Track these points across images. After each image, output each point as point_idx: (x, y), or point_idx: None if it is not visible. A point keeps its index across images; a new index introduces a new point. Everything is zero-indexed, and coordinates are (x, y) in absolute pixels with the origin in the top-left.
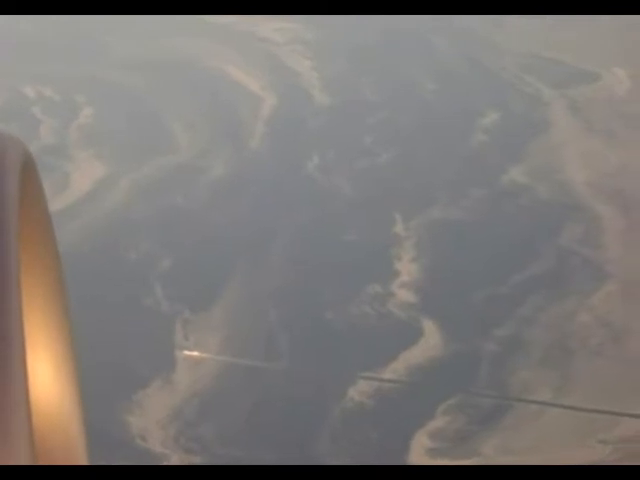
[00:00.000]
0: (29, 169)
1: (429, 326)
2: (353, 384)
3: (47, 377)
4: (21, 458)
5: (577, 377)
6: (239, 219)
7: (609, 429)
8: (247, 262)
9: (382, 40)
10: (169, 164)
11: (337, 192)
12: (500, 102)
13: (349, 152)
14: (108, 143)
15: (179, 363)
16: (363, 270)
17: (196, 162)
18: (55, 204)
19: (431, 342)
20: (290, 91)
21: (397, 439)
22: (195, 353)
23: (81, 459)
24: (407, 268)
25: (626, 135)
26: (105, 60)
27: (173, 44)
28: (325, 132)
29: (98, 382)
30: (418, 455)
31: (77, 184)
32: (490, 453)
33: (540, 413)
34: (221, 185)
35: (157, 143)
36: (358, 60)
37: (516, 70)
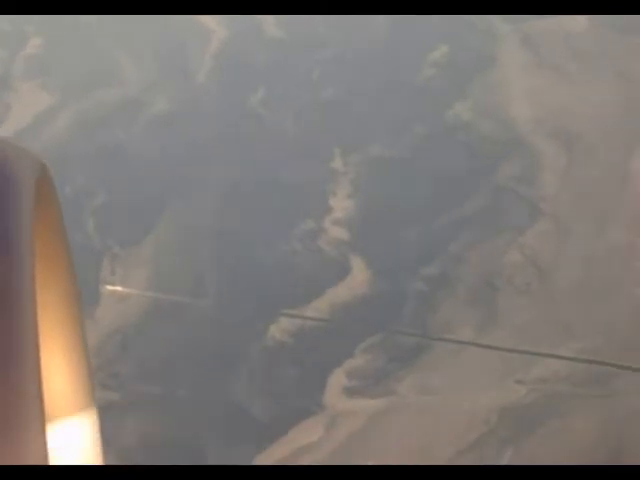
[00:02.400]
0: (45, 184)
1: (357, 264)
2: (275, 322)
3: (62, 389)
4: (36, 459)
5: (501, 316)
6: (177, 155)
7: (527, 369)
8: (181, 198)
9: None
10: (113, 98)
11: (278, 127)
12: (452, 35)
13: (295, 87)
14: (54, 75)
15: (103, 298)
16: (297, 206)
17: (140, 96)
18: None
19: (358, 280)
20: (242, 25)
21: (315, 378)
22: (119, 288)
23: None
24: (341, 204)
25: (577, 73)
26: None
27: None
28: (273, 66)
29: None
30: (334, 394)
31: (18, 116)
32: (405, 392)
33: (459, 352)
34: (163, 120)
35: (103, 76)
36: None
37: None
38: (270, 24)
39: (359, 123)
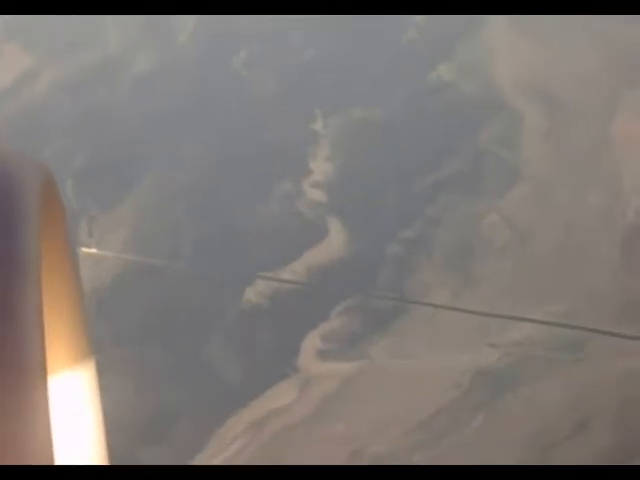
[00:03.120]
0: (49, 189)
1: (335, 226)
2: (251, 284)
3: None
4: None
5: (477, 280)
6: (157, 116)
7: (501, 333)
8: (160, 160)
9: None
10: (95, 58)
11: (260, 88)
12: None
13: (277, 48)
14: (35, 36)
15: (79, 261)
16: (276, 168)
17: (122, 56)
18: None
19: (335, 243)
20: None
21: (289, 341)
22: (95, 250)
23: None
24: (321, 167)
25: (560, 35)
26: None
27: None
28: (256, 28)
29: None
30: (307, 357)
31: None
32: (379, 356)
33: (435, 316)
34: (144, 82)
35: (86, 37)
36: None
37: None
38: None
39: (341, 85)
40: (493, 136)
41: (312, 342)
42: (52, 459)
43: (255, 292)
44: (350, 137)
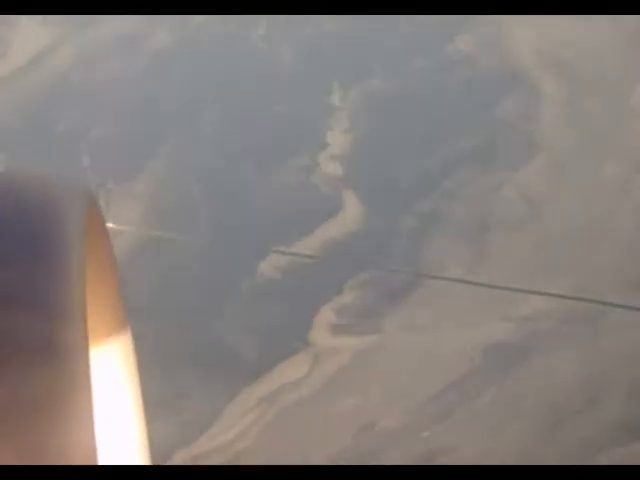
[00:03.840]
0: (94, 217)
1: (351, 200)
2: (265, 258)
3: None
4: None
5: (491, 254)
6: (175, 90)
7: (515, 307)
8: (176, 134)
9: None
10: (114, 32)
11: (277, 61)
12: None
13: (295, 21)
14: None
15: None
16: (293, 141)
17: (141, 31)
18: None
19: (350, 216)
20: None
21: (302, 315)
22: (110, 225)
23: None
24: (338, 140)
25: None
26: None
27: None
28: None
29: None
30: (320, 331)
31: (17, 51)
32: (392, 330)
33: (448, 290)
34: (162, 55)
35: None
36: None
37: None
38: None
39: (359, 57)
40: (511, 108)
41: (325, 316)
42: (96, 459)
43: (269, 266)
44: (367, 110)
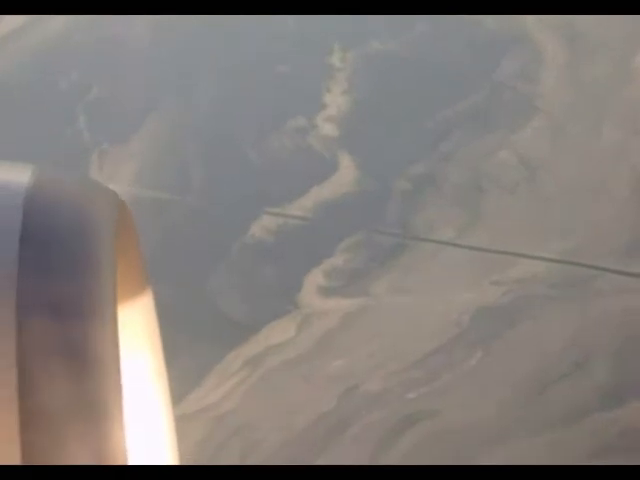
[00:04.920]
0: (123, 222)
1: (346, 161)
2: (257, 219)
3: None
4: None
5: (485, 217)
6: (173, 49)
7: (505, 270)
8: (175, 93)
9: None
10: None
11: (277, 21)
12: None
13: None
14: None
15: None
16: (290, 102)
17: None
18: None
19: (344, 178)
20: None
21: (292, 277)
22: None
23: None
24: (336, 101)
25: None
26: None
27: None
28: None
29: None
30: (309, 293)
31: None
32: (381, 293)
33: (439, 253)
34: (162, 17)
35: None
36: None
37: None
38: None
39: (359, 19)
40: (511, 70)
41: (315, 278)
42: (126, 459)
43: (260, 227)
44: (367, 71)
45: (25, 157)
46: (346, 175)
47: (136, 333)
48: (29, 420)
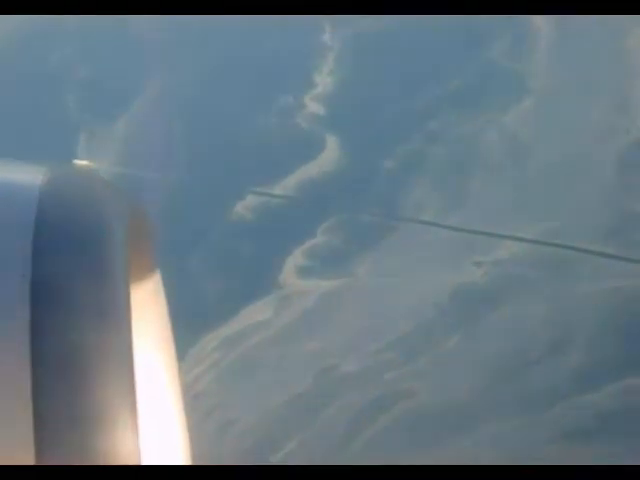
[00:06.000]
0: (138, 222)
1: (332, 141)
2: (242, 198)
3: None
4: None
5: (469, 197)
6: (160, 27)
7: (487, 251)
8: (160, 71)
9: None
10: None
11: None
12: None
13: None
14: None
15: None
16: (279, 80)
17: None
18: None
19: (330, 158)
20: None
21: (273, 257)
22: (85, 162)
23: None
24: (325, 80)
25: None
26: None
27: None
28: None
29: None
30: (290, 273)
31: None
32: (362, 273)
33: (423, 234)
34: None
35: None
36: None
37: None
38: None
39: None
40: (503, 49)
41: (296, 258)
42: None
43: (245, 206)
44: (357, 50)
45: (10, 135)
46: (332, 155)
47: (148, 330)
48: (43, 423)
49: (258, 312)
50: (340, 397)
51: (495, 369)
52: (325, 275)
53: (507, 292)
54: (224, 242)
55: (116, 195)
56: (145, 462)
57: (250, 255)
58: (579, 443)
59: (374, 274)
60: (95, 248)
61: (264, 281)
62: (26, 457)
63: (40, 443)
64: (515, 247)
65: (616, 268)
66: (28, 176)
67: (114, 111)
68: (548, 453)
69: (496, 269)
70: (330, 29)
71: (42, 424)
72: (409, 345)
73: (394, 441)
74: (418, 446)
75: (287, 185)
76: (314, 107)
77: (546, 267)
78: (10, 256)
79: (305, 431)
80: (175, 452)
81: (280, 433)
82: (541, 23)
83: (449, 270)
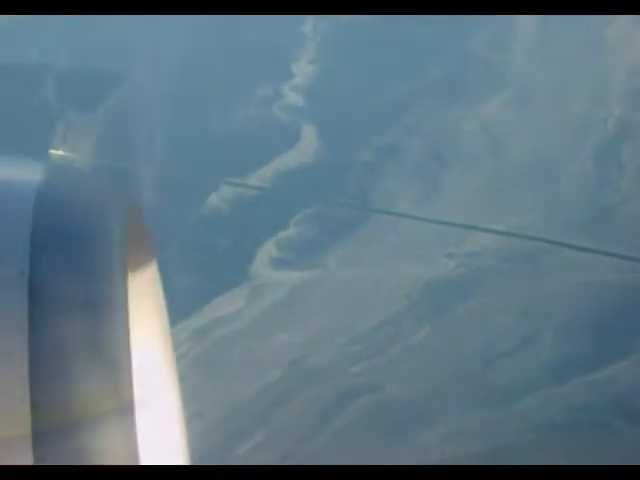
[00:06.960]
0: (135, 220)
1: (309, 132)
2: (216, 190)
3: None
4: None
5: (444, 190)
6: (140, 20)
7: (460, 244)
8: (139, 64)
9: None
10: None
11: None
12: None
13: None
14: None
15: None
16: (258, 70)
17: None
18: None
19: (307, 149)
20: None
21: (246, 248)
22: (61, 153)
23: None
24: (304, 70)
25: None
26: None
27: None
28: None
29: None
30: (261, 265)
31: None
32: (334, 265)
33: (396, 226)
34: None
35: None
36: None
37: None
38: None
39: None
40: (482, 41)
41: (268, 250)
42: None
43: (219, 198)
44: (337, 41)
45: None
46: (309, 146)
47: (145, 323)
48: (41, 415)
49: (229, 303)
50: (308, 390)
51: (464, 362)
52: (298, 266)
53: (478, 284)
54: (198, 233)
55: (113, 191)
56: (144, 456)
57: (223, 246)
58: (547, 436)
59: (347, 265)
60: (93, 244)
61: (236, 272)
62: (25, 456)
63: (37, 438)
64: (487, 240)
65: (588, 261)
66: (25, 173)
67: (91, 103)
68: (516, 445)
69: (468, 261)
70: (310, 20)
71: (39, 420)
72: (378, 338)
73: (360, 433)
74: (385, 439)
75: (263, 176)
76: (292, 97)
77: (519, 260)
78: (8, 253)
79: (272, 424)
80: (173, 445)
81: (248, 425)
82: (521, 16)
83: (422, 262)
